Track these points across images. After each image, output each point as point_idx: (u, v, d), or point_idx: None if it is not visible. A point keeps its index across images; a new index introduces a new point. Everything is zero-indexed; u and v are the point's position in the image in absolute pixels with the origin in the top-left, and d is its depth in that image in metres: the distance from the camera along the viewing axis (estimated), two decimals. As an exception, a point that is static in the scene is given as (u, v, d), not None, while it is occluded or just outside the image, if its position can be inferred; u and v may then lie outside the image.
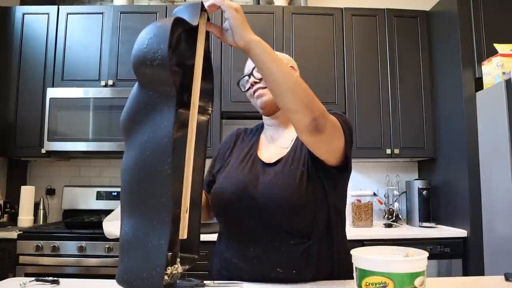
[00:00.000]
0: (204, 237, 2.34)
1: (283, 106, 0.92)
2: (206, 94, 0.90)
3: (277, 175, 1.09)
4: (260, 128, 1.30)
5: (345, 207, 1.21)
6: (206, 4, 0.86)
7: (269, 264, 1.05)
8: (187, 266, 0.81)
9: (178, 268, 0.76)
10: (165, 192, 0.70)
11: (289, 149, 1.15)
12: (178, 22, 0.76)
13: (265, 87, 1.16)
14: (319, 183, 1.08)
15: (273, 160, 1.15)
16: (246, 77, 1.21)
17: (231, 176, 1.15)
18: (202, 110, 0.90)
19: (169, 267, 0.75)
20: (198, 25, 0.81)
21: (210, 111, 0.92)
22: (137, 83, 0.78)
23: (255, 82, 1.17)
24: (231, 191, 1.11)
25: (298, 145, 1.14)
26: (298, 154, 1.12)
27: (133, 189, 0.74)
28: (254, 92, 1.18)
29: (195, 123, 0.79)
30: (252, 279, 1.06)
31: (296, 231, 1.06)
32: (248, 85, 1.20)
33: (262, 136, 1.26)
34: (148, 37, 0.72)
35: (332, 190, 1.10)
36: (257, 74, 1.17)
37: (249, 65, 1.22)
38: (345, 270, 1.10)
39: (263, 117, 1.26)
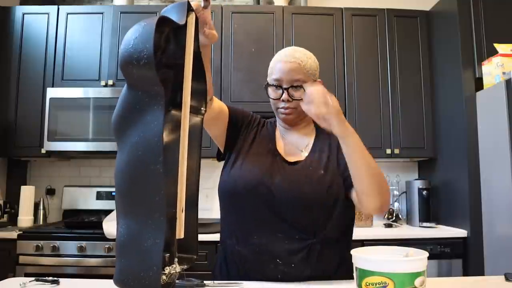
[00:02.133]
0: (203, 237, 2.34)
1: (359, 187, 1.06)
2: (199, 94, 0.89)
3: (297, 173, 1.15)
4: (274, 123, 1.32)
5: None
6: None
7: (270, 254, 1.09)
8: (186, 266, 0.80)
9: (176, 268, 0.76)
10: (158, 191, 0.70)
11: (307, 152, 1.21)
12: (164, 21, 0.75)
13: (294, 108, 1.18)
14: (335, 190, 1.14)
15: (292, 159, 1.20)
16: (276, 87, 1.18)
17: (250, 165, 1.18)
18: (195, 110, 0.89)
19: (167, 267, 0.75)
20: (186, 24, 0.80)
21: (203, 111, 0.92)
22: (126, 84, 0.77)
23: (288, 100, 1.17)
24: (248, 178, 1.14)
25: (316, 150, 1.21)
26: (316, 158, 1.19)
27: (126, 189, 0.74)
28: (282, 107, 1.19)
29: (187, 122, 0.79)
30: (253, 267, 1.11)
31: (303, 228, 1.11)
32: (276, 96, 1.19)
33: (277, 134, 1.28)
34: (133, 37, 0.71)
35: (345, 200, 1.16)
36: (292, 93, 1.17)
37: (278, 70, 1.18)
38: (345, 275, 1.11)
39: (278, 119, 1.28)
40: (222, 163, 1.30)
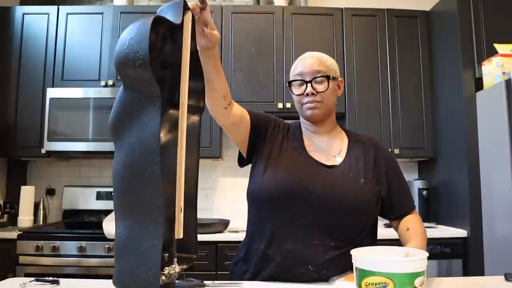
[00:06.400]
0: (203, 238, 2.34)
1: None
2: (197, 93, 0.89)
3: (337, 179, 1.14)
4: (299, 126, 1.30)
5: None
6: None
7: (303, 260, 1.08)
8: (185, 266, 0.80)
9: (175, 268, 0.76)
10: (155, 192, 0.70)
11: (342, 157, 1.20)
12: (159, 20, 0.75)
13: (320, 101, 1.17)
14: (374, 201, 1.15)
15: (327, 163, 1.18)
16: (301, 81, 1.19)
17: (286, 168, 1.16)
18: (193, 110, 0.89)
19: (166, 267, 0.75)
20: (182, 23, 0.80)
21: (201, 111, 0.92)
22: (122, 84, 0.77)
23: (312, 94, 1.17)
24: (286, 183, 1.13)
25: (352, 157, 1.20)
26: (353, 165, 1.18)
27: (124, 191, 0.74)
28: (307, 102, 1.18)
29: (185, 122, 0.79)
30: (281, 271, 1.09)
31: (340, 236, 1.10)
32: (300, 91, 1.20)
33: (304, 137, 1.26)
34: (128, 37, 0.71)
35: (377, 210, 1.20)
36: (316, 86, 1.17)
37: (300, 66, 1.20)
38: None
39: (303, 120, 1.27)
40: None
